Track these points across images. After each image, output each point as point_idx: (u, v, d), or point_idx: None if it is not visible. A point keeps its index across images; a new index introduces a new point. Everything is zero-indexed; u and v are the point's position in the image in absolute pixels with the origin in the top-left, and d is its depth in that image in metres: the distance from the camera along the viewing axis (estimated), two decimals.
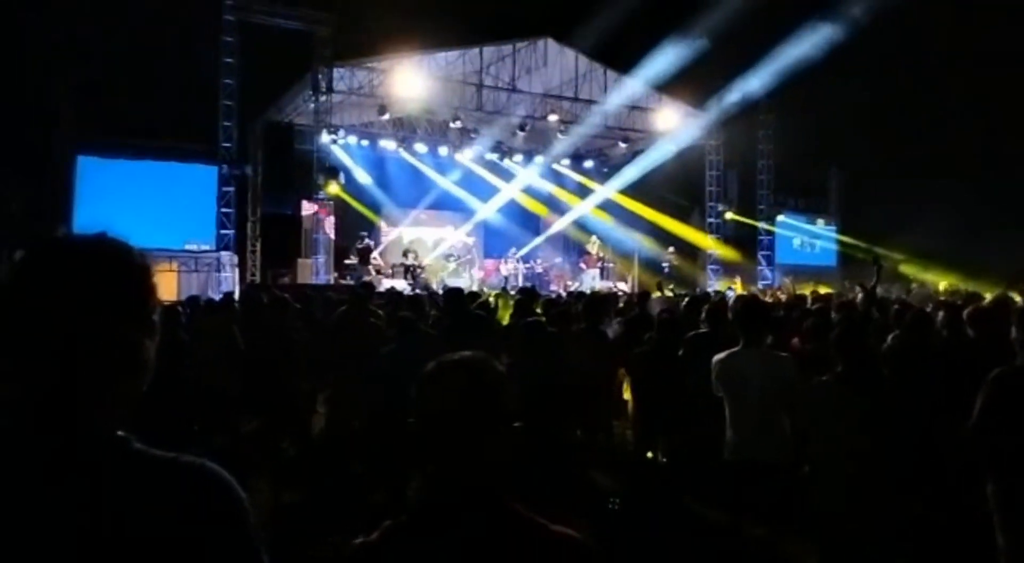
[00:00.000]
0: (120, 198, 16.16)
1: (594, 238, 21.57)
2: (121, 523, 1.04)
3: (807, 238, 24.85)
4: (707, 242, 22.01)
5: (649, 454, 6.32)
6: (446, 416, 1.37)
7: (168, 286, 14.88)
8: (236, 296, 11.81)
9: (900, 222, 22.41)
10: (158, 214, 16.31)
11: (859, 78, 21.71)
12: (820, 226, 25.44)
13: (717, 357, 4.55)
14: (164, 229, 16.30)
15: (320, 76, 16.49)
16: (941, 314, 5.83)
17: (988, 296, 11.23)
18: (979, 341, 4.94)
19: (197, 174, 17.13)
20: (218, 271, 16.58)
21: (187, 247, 16.86)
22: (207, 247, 16.85)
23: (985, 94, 21.89)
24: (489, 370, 1.43)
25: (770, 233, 22.61)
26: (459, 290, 8.05)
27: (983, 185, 22.02)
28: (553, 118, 19.36)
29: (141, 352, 1.14)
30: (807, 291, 13.86)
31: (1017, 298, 8.55)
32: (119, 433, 1.11)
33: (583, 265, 21.45)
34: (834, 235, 25.56)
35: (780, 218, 23.24)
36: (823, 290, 15.40)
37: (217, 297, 9.41)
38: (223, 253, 16.78)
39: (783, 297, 12.61)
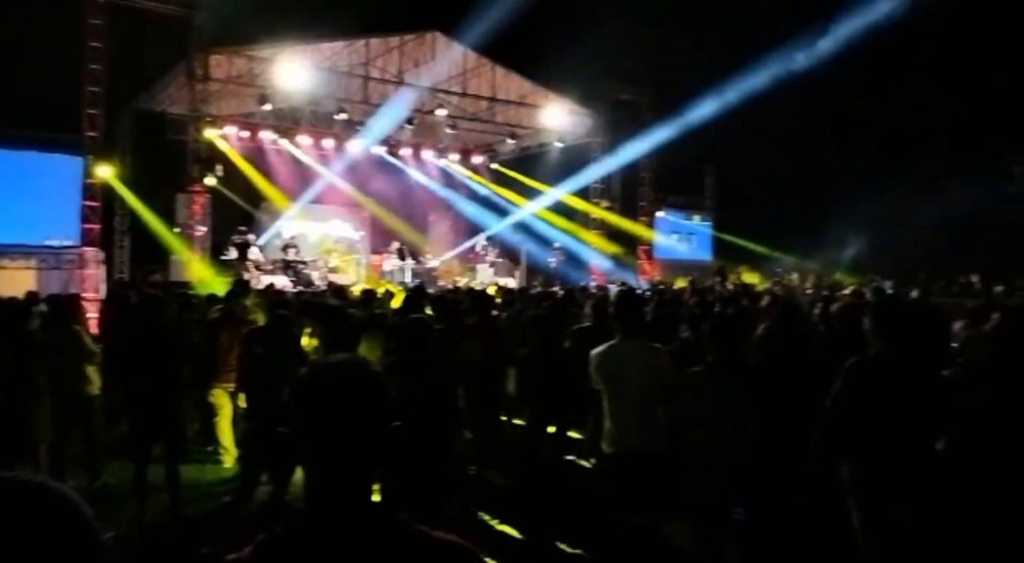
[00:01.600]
0: None
1: (480, 235, 21.73)
2: None
3: (685, 234, 25.92)
4: (591, 238, 22.55)
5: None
6: (323, 422, 1.32)
7: (25, 285, 13.79)
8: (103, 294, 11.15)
9: (769, 219, 23.83)
10: (14, 207, 15.17)
11: (735, 81, 22.82)
12: (697, 222, 26.58)
13: (595, 350, 4.64)
14: (21, 223, 15.18)
15: (196, 63, 15.75)
16: (818, 307, 6.26)
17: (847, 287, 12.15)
18: (843, 332, 5.33)
19: (59, 165, 15.93)
20: (82, 268, 15.53)
21: (47, 243, 15.70)
22: (70, 243, 15.74)
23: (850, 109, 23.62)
24: (365, 373, 1.38)
25: (649, 228, 23.41)
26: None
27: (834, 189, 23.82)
28: (441, 112, 19.28)
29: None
30: (683, 284, 14.49)
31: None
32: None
33: (473, 261, 21.56)
34: (709, 231, 26.77)
35: (659, 214, 24.10)
36: (680, 283, 16.18)
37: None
38: (87, 249, 15.71)
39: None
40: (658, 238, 23.87)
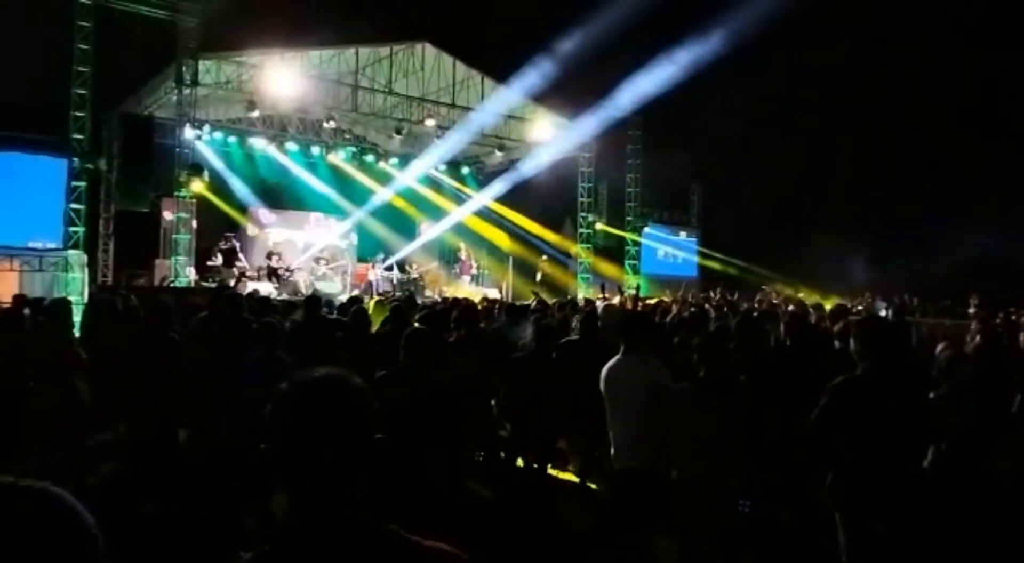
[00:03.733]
0: None
1: (463, 244, 21.74)
2: None
3: (671, 249, 26.08)
4: (578, 250, 22.62)
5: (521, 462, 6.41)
6: (308, 438, 1.30)
7: (8, 287, 13.63)
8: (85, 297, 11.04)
9: (753, 236, 24.06)
10: None
11: (722, 99, 23.05)
12: (683, 238, 26.75)
13: (607, 365, 4.67)
14: (4, 225, 14.99)
15: (184, 68, 15.69)
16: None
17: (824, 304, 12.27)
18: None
19: (44, 166, 15.77)
20: (65, 271, 15.37)
21: (30, 245, 15.53)
22: (53, 245, 15.59)
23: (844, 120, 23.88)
24: (351, 388, 1.37)
25: (637, 243, 23.52)
26: (317, 297, 7.91)
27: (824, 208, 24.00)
28: (430, 123, 19.31)
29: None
30: (669, 298, 14.53)
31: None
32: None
33: (459, 271, 21.55)
34: (695, 247, 26.95)
35: (646, 229, 24.23)
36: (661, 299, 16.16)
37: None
38: (71, 252, 15.56)
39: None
40: (645, 253, 23.99)
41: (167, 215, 17.43)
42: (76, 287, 15.12)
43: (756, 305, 14.39)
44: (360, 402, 1.37)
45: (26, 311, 7.04)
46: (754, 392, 4.23)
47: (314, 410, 1.33)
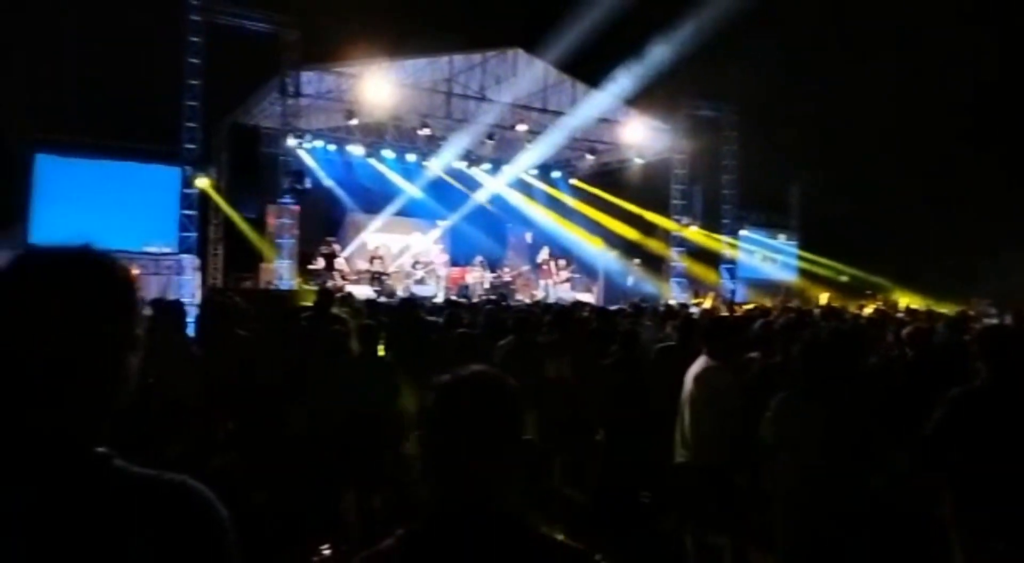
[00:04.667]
0: (79, 197, 15.80)
1: (546, 249, 21.76)
2: (96, 541, 1.01)
3: (768, 253, 25.28)
4: (671, 255, 22.25)
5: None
6: (466, 431, 1.38)
7: None
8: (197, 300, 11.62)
9: (859, 239, 23.00)
10: (117, 215, 15.97)
11: (820, 96, 22.23)
12: (781, 241, 25.89)
13: (691, 368, 4.71)
14: (123, 230, 15.95)
15: (287, 79, 16.35)
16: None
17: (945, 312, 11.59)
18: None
19: (159, 175, 16.81)
20: (179, 274, 16.27)
21: (147, 249, 16.52)
22: (168, 249, 16.53)
23: (946, 112, 22.55)
24: (506, 387, 1.45)
25: (733, 246, 22.93)
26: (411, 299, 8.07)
27: (940, 205, 22.65)
28: (521, 128, 19.43)
29: (124, 367, 1.12)
30: (770, 304, 14.13)
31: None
32: (100, 449, 1.09)
33: (536, 277, 21.60)
34: (795, 250, 26.04)
35: (743, 232, 23.59)
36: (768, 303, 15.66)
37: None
38: (184, 256, 16.48)
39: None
40: (742, 256, 23.36)
41: (271, 220, 18.17)
42: (188, 289, 15.97)
43: (860, 312, 13.79)
44: (514, 401, 1.44)
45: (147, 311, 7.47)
46: (861, 402, 4.06)
47: (471, 403, 1.40)
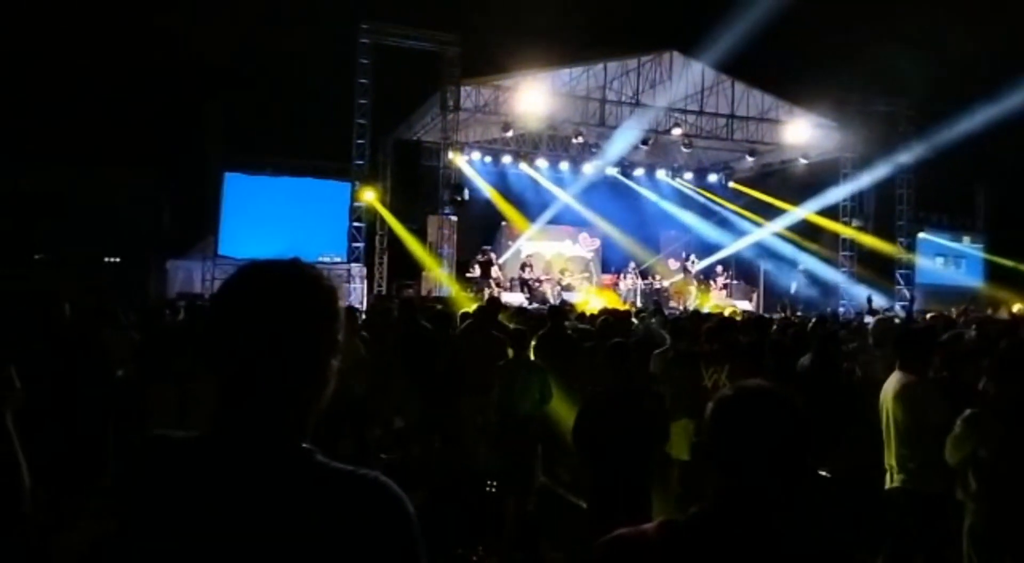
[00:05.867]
0: (261, 211, 17.26)
1: (691, 256, 21.17)
2: (299, 531, 1.10)
3: (951, 257, 23.24)
4: (840, 260, 20.98)
5: None
6: (760, 445, 1.43)
7: None
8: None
9: None
10: (295, 227, 17.24)
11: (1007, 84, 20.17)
12: (966, 244, 23.73)
13: (887, 383, 4.39)
14: (300, 241, 17.13)
15: (448, 95, 16.95)
16: None
17: None
18: None
19: (331, 190, 18.04)
20: (348, 282, 17.30)
21: (320, 259, 17.69)
22: (339, 259, 17.63)
23: None
24: (797, 405, 1.48)
25: (910, 250, 21.27)
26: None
27: None
28: (677, 132, 19.06)
29: (329, 369, 1.22)
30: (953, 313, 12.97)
31: None
32: (304, 445, 1.18)
33: (704, 282, 21.01)
34: (981, 254, 23.78)
35: (921, 235, 21.84)
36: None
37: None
38: (353, 265, 17.52)
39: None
40: (920, 261, 21.62)
41: (432, 231, 18.92)
42: (357, 296, 16.94)
43: None
44: (804, 418, 1.47)
45: None
46: None
47: (768, 421, 1.45)
